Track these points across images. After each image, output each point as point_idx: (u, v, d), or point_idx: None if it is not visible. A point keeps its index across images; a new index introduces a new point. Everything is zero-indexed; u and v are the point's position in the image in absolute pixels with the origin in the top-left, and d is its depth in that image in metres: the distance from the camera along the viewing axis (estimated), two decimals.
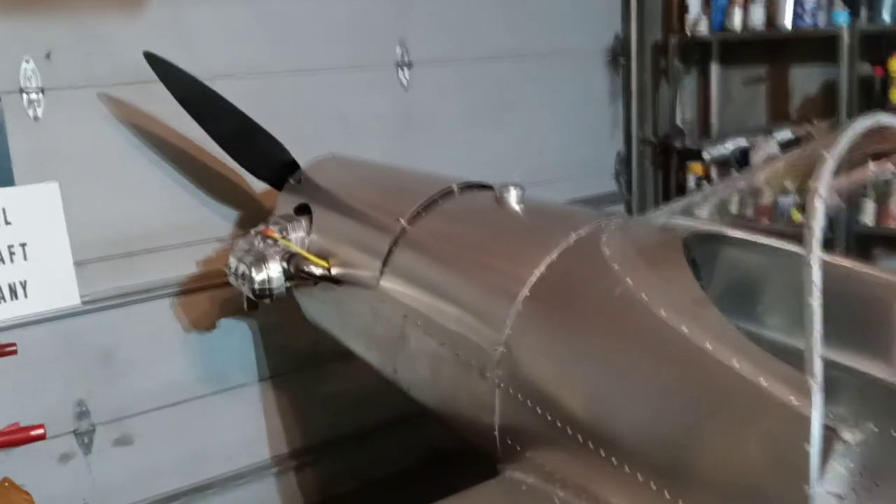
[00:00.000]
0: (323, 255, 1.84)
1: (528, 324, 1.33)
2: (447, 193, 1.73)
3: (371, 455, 2.70)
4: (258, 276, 1.84)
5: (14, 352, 1.89)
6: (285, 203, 2.05)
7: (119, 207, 2.27)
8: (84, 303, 2.19)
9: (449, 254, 1.59)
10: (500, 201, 1.62)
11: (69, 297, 2.17)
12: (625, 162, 3.38)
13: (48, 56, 2.12)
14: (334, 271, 1.81)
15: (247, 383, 2.55)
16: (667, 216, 1.38)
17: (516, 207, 1.60)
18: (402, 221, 1.68)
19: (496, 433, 1.37)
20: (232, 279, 1.93)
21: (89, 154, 2.21)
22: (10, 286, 2.08)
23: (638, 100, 3.32)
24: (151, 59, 1.96)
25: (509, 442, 1.35)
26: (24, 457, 2.15)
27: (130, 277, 2.30)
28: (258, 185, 2.47)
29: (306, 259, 1.82)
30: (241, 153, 2.07)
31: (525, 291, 1.35)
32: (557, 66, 3.12)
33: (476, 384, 1.39)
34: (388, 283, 1.66)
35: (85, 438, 2.28)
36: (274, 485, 2.64)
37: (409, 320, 1.59)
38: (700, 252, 1.27)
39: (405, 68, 2.76)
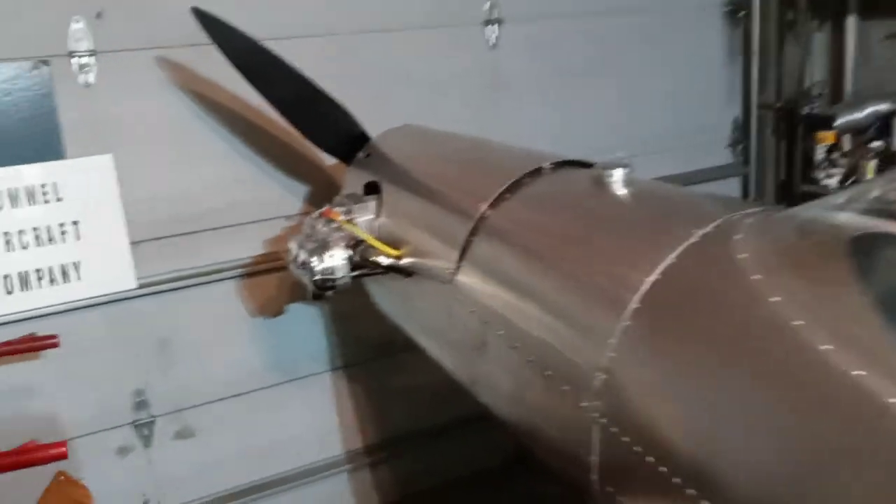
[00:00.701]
0: (393, 242, 1.59)
1: (638, 345, 1.05)
2: (536, 172, 1.45)
3: (451, 453, 2.47)
4: (319, 266, 1.61)
5: (55, 344, 1.73)
6: (353, 180, 1.81)
7: (178, 182, 2.07)
8: (141, 286, 2.02)
9: (539, 248, 1.32)
10: (602, 184, 1.32)
11: (125, 279, 2.00)
12: (742, 130, 3.00)
13: (100, 15, 1.93)
14: (405, 261, 1.56)
15: (317, 373, 2.35)
16: (821, 210, 1.07)
17: (622, 192, 1.31)
18: (483, 205, 1.41)
19: (594, 477, 1.10)
20: (292, 267, 1.71)
21: (145, 123, 2.02)
22: (61, 268, 1.92)
23: (759, 59, 2.92)
24: (201, 16, 1.74)
25: (609, 489, 1.08)
26: (80, 450, 2.02)
27: (191, 258, 2.11)
28: (329, 157, 2.24)
29: (374, 247, 1.58)
30: (304, 123, 1.84)
31: (634, 302, 1.06)
32: (666, 20, 2.76)
33: (570, 415, 1.12)
34: (466, 279, 1.40)
35: (144, 430, 2.12)
36: (347, 482, 2.45)
37: (491, 328, 1.32)
38: (873, 261, 0.95)
39: (494, 25, 2.47)
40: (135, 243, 2.01)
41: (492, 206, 1.41)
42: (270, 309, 2.25)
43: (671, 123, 2.83)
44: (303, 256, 1.63)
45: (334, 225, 1.67)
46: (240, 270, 2.18)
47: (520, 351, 1.25)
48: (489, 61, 2.48)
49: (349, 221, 1.64)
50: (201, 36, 1.98)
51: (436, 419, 2.45)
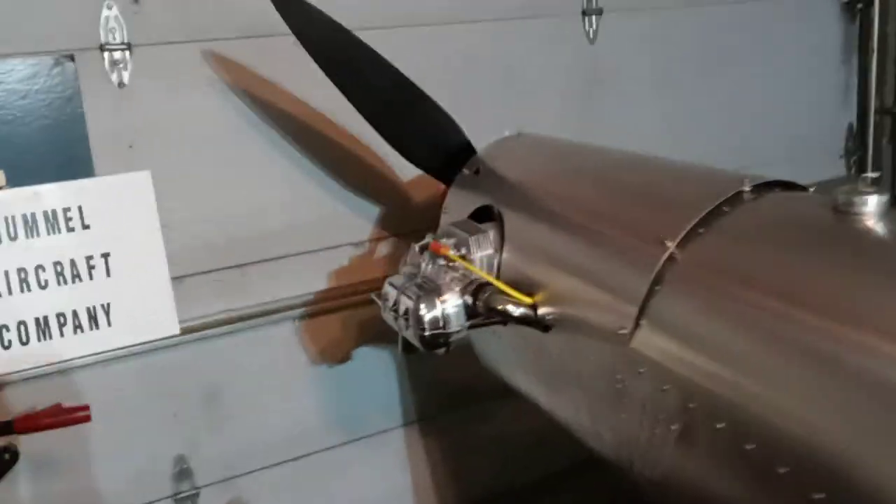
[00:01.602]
0: (523, 285, 1.22)
1: None
2: (736, 198, 1.07)
3: None
4: (429, 314, 1.23)
5: (87, 418, 1.36)
6: (458, 203, 1.44)
7: (228, 203, 1.71)
8: (184, 331, 1.65)
9: (766, 307, 0.94)
10: (847, 216, 0.95)
11: (166, 324, 1.62)
12: (857, 138, 2.62)
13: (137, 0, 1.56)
14: (544, 311, 1.19)
15: (388, 429, 1.97)
16: None
17: (883, 230, 0.93)
18: (670, 244, 1.04)
19: None
20: (388, 316, 1.33)
21: (190, 132, 1.65)
22: (88, 311, 1.54)
23: (879, 55, 2.54)
24: None
25: None
26: None
27: (242, 296, 1.74)
28: (404, 171, 1.88)
29: (502, 292, 1.20)
30: (398, 131, 1.46)
31: None
32: (778, 10, 2.39)
33: None
34: (650, 342, 1.03)
35: None
36: None
37: (697, 412, 0.95)
38: None
39: (593, 16, 2.09)
40: (176, 279, 1.64)
41: (680, 244, 1.04)
42: (334, 354, 1.87)
43: (780, 129, 2.46)
44: (407, 303, 1.25)
45: (441, 262, 1.29)
46: (300, 310, 1.80)
47: (738, 439, 0.88)
48: (588, 56, 2.12)
49: (464, 258, 1.26)
50: (258, 25, 1.63)
51: (530, 473, 2.08)
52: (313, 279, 1.82)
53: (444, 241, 1.30)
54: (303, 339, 1.82)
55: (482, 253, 1.28)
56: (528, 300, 1.20)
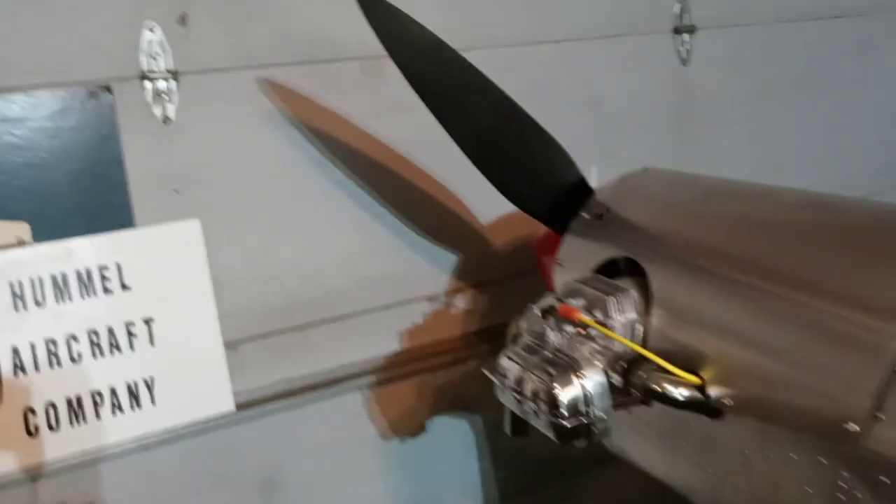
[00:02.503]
0: (676, 357, 0.96)
1: None
2: None
3: None
4: (567, 396, 0.97)
5: None
6: (577, 254, 1.18)
7: (287, 255, 1.46)
8: (240, 406, 1.40)
9: None
10: None
11: (219, 399, 1.37)
12: None
13: (183, 20, 1.34)
14: (715, 392, 0.93)
15: None
16: None
17: None
18: None
19: None
20: (507, 398, 1.07)
21: (243, 172, 1.41)
22: (129, 388, 1.30)
23: None
24: (373, 5, 1.13)
25: None
26: None
27: (305, 362, 1.49)
28: (482, 213, 1.64)
29: (663, 369, 0.94)
30: (504, 168, 1.21)
31: None
32: (889, 26, 2.15)
33: None
34: (893, 440, 0.76)
35: None
36: None
37: None
38: None
39: (685, 34, 1.86)
40: (229, 345, 1.40)
41: None
42: (408, 426, 1.61)
43: (885, 157, 2.21)
44: (535, 382, 0.99)
45: (570, 328, 1.03)
46: (370, 377, 1.55)
47: None
48: (680, 78, 1.87)
49: (605, 325, 1.00)
50: (319, 49, 1.40)
51: None
52: (384, 340, 1.57)
53: (573, 302, 1.04)
54: (372, 409, 1.56)
55: (624, 317, 1.02)
56: (694, 379, 0.94)
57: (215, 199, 1.38)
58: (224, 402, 1.37)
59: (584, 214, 1.19)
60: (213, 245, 1.37)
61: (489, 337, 1.66)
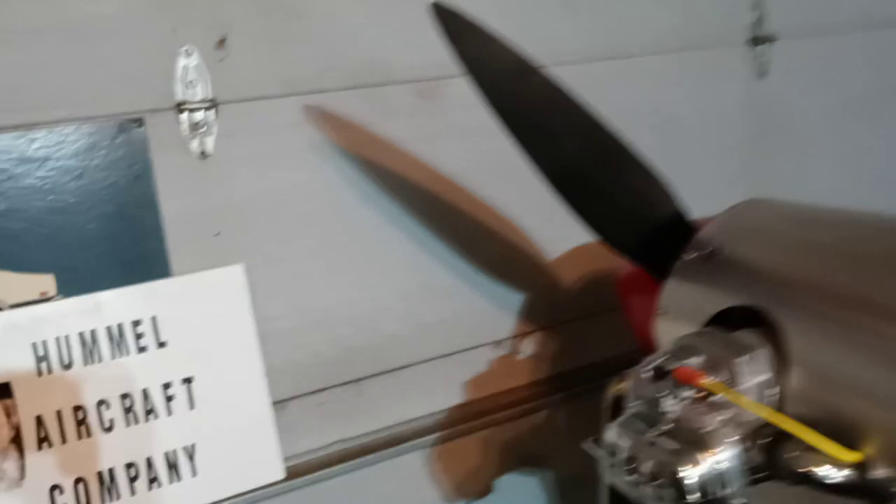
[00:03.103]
0: (824, 427, 0.79)
1: None
2: None
3: None
4: (695, 477, 0.80)
5: None
6: (683, 301, 1.01)
7: (339, 301, 1.31)
8: (290, 474, 1.24)
9: None
10: None
11: (267, 467, 1.22)
12: None
13: (222, 43, 1.20)
14: (884, 473, 0.76)
15: None
16: None
17: None
18: None
19: None
20: (617, 476, 0.90)
21: (290, 211, 1.27)
22: (167, 458, 1.14)
23: None
24: (447, 16, 0.99)
25: None
26: None
27: (360, 420, 1.34)
28: (550, 250, 1.48)
29: (814, 447, 0.77)
30: (591, 199, 1.05)
31: None
32: None
33: None
34: None
35: None
36: None
37: None
38: None
39: (762, 45, 1.70)
40: (278, 404, 1.24)
41: None
42: (473, 487, 1.45)
43: None
44: (654, 461, 0.83)
45: (687, 393, 0.87)
46: (432, 434, 1.39)
47: None
48: (756, 94, 1.71)
49: (734, 392, 0.84)
50: (370, 71, 1.26)
51: None
52: (446, 392, 1.42)
53: (692, 365, 0.88)
54: (434, 470, 1.40)
55: (755, 381, 0.85)
56: (853, 456, 0.77)
57: (259, 242, 1.24)
58: (273, 470, 1.22)
59: (690, 255, 1.02)
60: (257, 292, 1.22)
61: (560, 384, 1.51)
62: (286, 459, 1.24)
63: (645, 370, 0.91)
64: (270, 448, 1.22)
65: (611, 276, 1.42)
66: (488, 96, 0.98)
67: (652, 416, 0.89)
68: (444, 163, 1.37)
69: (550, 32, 1.48)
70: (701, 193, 1.11)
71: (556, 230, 1.47)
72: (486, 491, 1.45)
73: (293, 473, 1.24)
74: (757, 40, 1.69)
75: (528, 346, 1.49)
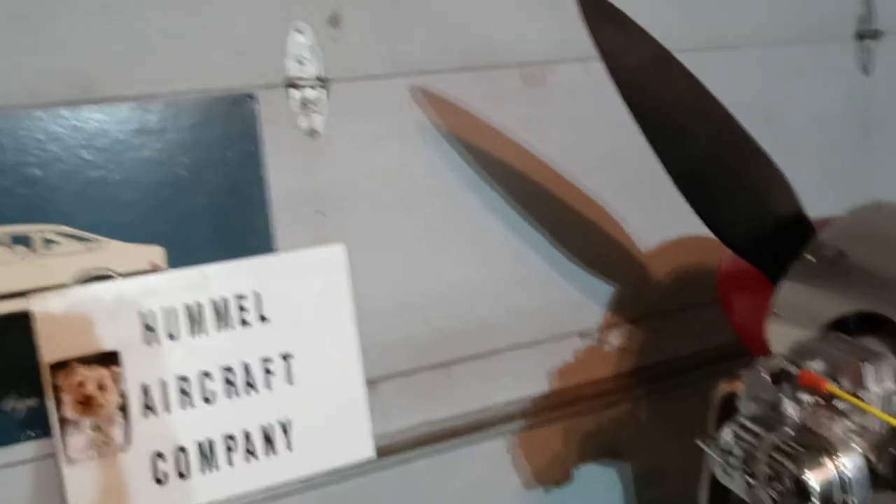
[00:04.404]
0: None
1: None
2: None
3: None
4: (819, 482, 0.79)
5: None
6: (801, 304, 0.99)
7: (434, 285, 1.31)
8: (380, 452, 1.25)
9: None
10: None
11: (358, 445, 1.24)
12: None
13: (335, 19, 1.19)
14: None
15: None
16: None
17: None
18: None
19: None
20: (732, 479, 0.89)
21: (392, 193, 1.27)
22: (264, 431, 1.16)
23: None
24: (598, 10, 0.97)
25: None
26: None
27: (447, 403, 1.34)
28: (644, 241, 1.46)
29: None
30: (714, 197, 1.02)
31: None
32: None
33: None
34: None
35: None
36: None
37: None
38: None
39: (868, 40, 1.64)
40: (370, 383, 1.25)
41: None
42: (552, 474, 1.45)
43: None
44: (774, 465, 0.82)
45: (808, 398, 0.85)
46: (517, 420, 1.39)
47: None
48: (861, 91, 1.66)
49: (861, 399, 0.82)
50: (480, 53, 1.26)
51: None
52: (532, 380, 1.41)
53: (812, 366, 0.86)
54: (516, 456, 1.41)
55: (881, 388, 0.83)
56: None
57: (361, 222, 1.24)
58: (364, 448, 1.23)
59: (810, 256, 1.00)
60: (356, 273, 1.22)
61: (645, 378, 1.49)
62: (375, 437, 1.25)
63: (763, 372, 0.90)
64: (362, 426, 1.23)
65: (704, 271, 1.40)
66: (625, 85, 0.96)
67: (771, 420, 0.87)
68: (544, 149, 1.35)
69: (657, 19, 1.43)
70: (800, 190, 1.08)
71: (651, 222, 1.46)
72: (565, 479, 1.45)
73: (382, 452, 1.25)
74: (863, 35, 1.63)
75: (616, 338, 1.47)
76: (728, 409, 0.97)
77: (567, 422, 1.43)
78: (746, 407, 0.91)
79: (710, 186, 1.01)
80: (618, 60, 0.97)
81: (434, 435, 1.31)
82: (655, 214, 1.43)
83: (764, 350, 1.03)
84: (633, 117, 0.98)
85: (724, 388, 1.00)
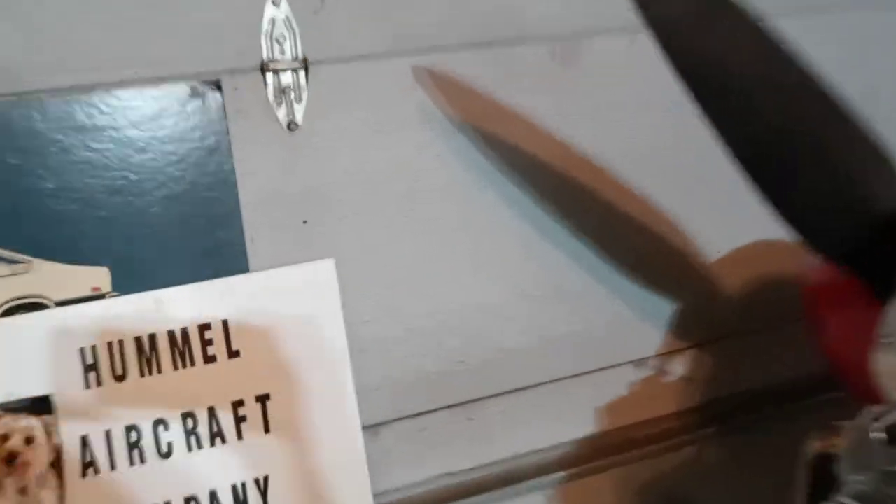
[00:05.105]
0: None
1: None
2: None
3: None
4: None
5: None
6: None
7: (446, 305, 1.08)
8: None
9: None
10: None
11: (355, 500, 1.01)
12: None
13: None
14: None
15: None
16: None
17: None
18: None
19: None
20: None
21: (392, 195, 1.04)
22: (234, 492, 0.95)
23: None
24: None
25: None
26: None
27: (469, 451, 1.11)
28: (710, 248, 1.20)
29: None
30: (800, 186, 0.76)
31: None
32: None
33: None
34: None
35: None
36: None
37: None
38: None
39: None
40: (370, 429, 1.03)
41: None
42: None
43: None
44: None
45: None
46: (557, 472, 1.14)
47: None
48: None
49: None
50: (495, 27, 1.02)
51: None
52: (574, 421, 1.17)
53: None
54: None
55: None
56: None
57: (354, 232, 1.02)
58: None
59: None
60: (349, 293, 1.00)
61: (715, 414, 1.23)
62: (377, 496, 1.03)
63: (871, 427, 0.64)
64: (360, 483, 1.01)
65: (786, 283, 1.14)
66: (669, 41, 0.72)
67: (885, 497, 0.61)
68: (582, 141, 1.11)
69: None
70: None
71: (718, 225, 1.20)
72: None
73: None
74: None
75: (678, 367, 1.22)
76: (823, 476, 0.71)
77: (619, 470, 1.18)
78: (849, 479, 0.65)
79: (790, 172, 0.76)
80: (657, 7, 0.72)
81: (452, 491, 1.08)
82: (723, 215, 1.18)
83: (868, 389, 0.77)
84: (682, 84, 0.73)
85: (816, 445, 0.74)
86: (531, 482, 1.12)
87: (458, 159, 1.06)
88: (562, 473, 1.14)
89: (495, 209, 1.10)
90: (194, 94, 0.93)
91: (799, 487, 0.78)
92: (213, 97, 0.94)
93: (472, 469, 1.10)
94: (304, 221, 0.99)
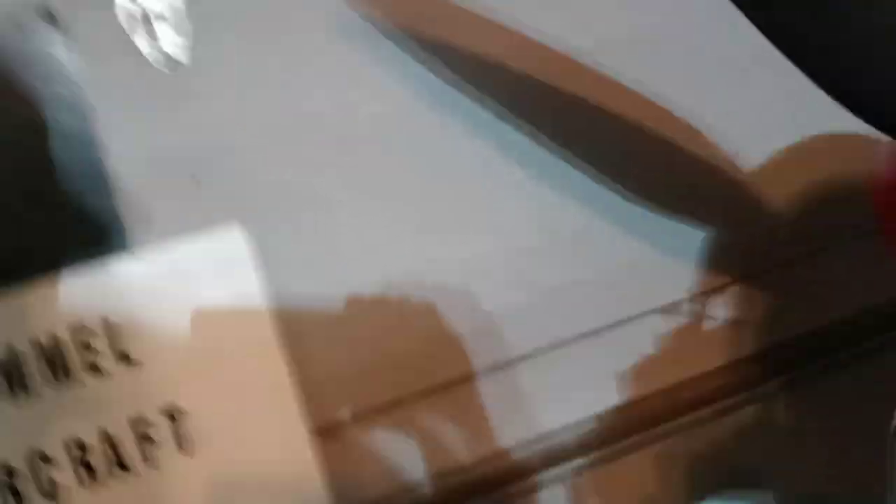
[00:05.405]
0: None
1: None
2: None
3: None
4: None
5: None
6: None
7: (404, 265, 0.85)
8: None
9: None
10: None
11: None
12: None
13: None
14: None
15: None
16: None
17: None
18: None
19: None
20: None
21: (315, 139, 0.81)
22: None
23: None
24: None
25: None
26: None
27: (456, 445, 0.88)
28: (752, 156, 0.93)
29: None
30: (846, 45, 0.50)
31: None
32: None
33: None
34: None
35: None
36: None
37: None
38: None
39: None
40: (324, 431, 0.82)
41: None
42: None
43: None
44: None
45: None
46: (575, 459, 0.91)
47: None
48: None
49: None
50: None
51: None
52: (593, 390, 0.92)
53: None
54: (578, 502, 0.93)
55: None
56: None
57: (268, 188, 0.80)
58: None
59: None
60: (270, 266, 0.78)
61: (778, 363, 0.98)
62: None
63: None
64: (313, 496, 0.80)
65: (850, 187, 0.89)
66: None
67: None
68: (552, 31, 0.86)
69: None
70: None
71: (753, 121, 0.93)
72: None
73: None
74: None
75: (721, 309, 0.96)
76: None
77: (658, 446, 0.94)
78: None
79: (832, 25, 0.49)
80: None
81: (439, 494, 0.86)
82: (756, 107, 0.91)
83: None
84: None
85: None
86: (545, 473, 0.89)
87: (398, 80, 0.82)
88: (582, 459, 0.91)
89: (459, 137, 0.86)
90: (19, 30, 0.72)
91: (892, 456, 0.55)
92: (48, 34, 0.73)
93: (463, 465, 0.87)
94: (195, 178, 0.77)
